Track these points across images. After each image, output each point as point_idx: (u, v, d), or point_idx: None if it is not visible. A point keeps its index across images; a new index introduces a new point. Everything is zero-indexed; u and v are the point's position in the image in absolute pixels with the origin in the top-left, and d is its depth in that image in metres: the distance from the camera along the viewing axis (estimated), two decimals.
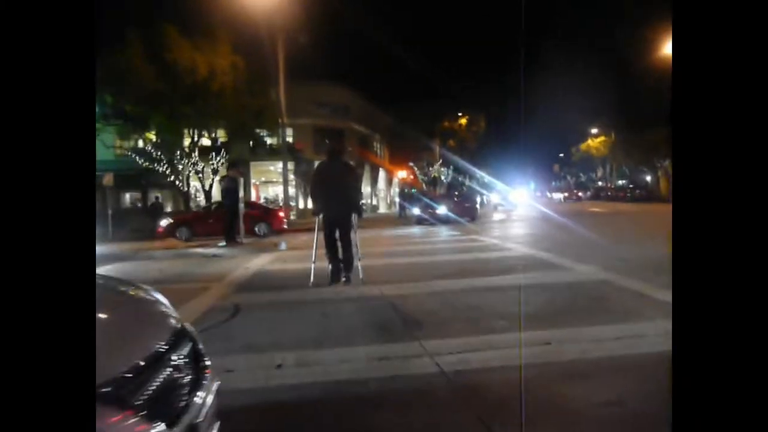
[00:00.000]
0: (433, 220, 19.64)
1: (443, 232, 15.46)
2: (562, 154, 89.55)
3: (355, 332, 4.15)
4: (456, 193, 36.22)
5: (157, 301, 2.07)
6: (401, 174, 39.52)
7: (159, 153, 22.95)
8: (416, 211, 21.51)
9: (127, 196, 32.51)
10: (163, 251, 10.70)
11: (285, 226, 17.22)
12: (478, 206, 23.88)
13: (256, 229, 16.53)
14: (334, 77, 33.56)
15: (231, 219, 11.34)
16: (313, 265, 6.50)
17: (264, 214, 17.56)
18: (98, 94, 21.20)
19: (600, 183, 72.55)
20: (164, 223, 16.72)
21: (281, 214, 18.01)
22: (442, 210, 20.14)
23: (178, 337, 1.79)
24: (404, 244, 11.83)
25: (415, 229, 17.83)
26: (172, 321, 1.90)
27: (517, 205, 31.57)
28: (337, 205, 6.26)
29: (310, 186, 6.73)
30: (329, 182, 6.29)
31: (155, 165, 23.35)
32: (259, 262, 8.91)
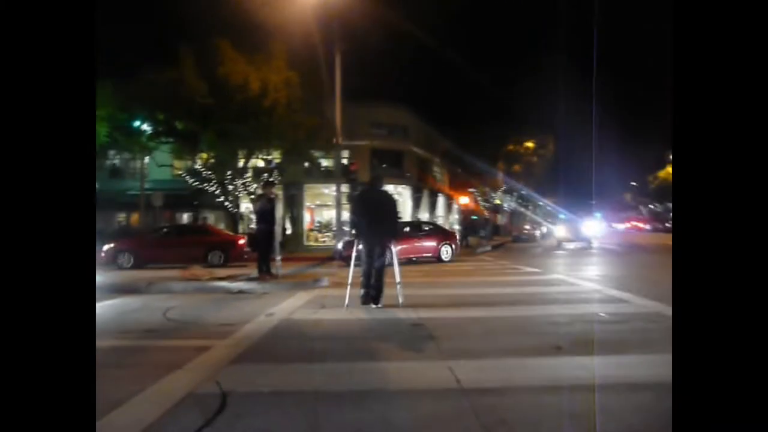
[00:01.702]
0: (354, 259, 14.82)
1: (518, 268, 13.05)
2: (634, 183, 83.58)
3: None
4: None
5: None
6: (462, 200, 37.10)
7: (209, 173, 22.07)
8: (339, 245, 16.47)
9: (185, 216, 32.24)
10: (185, 283, 9.05)
11: (245, 256, 14.98)
12: (454, 244, 16.98)
13: (209, 257, 14.73)
14: (393, 97, 32.05)
15: (265, 246, 9.52)
16: (348, 289, 6.64)
17: (220, 240, 15.69)
18: (151, 112, 20.66)
19: None
20: (105, 248, 14.84)
21: (241, 241, 15.83)
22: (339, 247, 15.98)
23: None
24: (471, 285, 9.57)
25: (478, 262, 15.48)
26: None
27: (591, 241, 25.81)
28: (374, 231, 6.48)
29: (351, 212, 7.16)
30: (368, 208, 6.57)
31: (205, 185, 22.50)
32: (289, 306, 6.99)
